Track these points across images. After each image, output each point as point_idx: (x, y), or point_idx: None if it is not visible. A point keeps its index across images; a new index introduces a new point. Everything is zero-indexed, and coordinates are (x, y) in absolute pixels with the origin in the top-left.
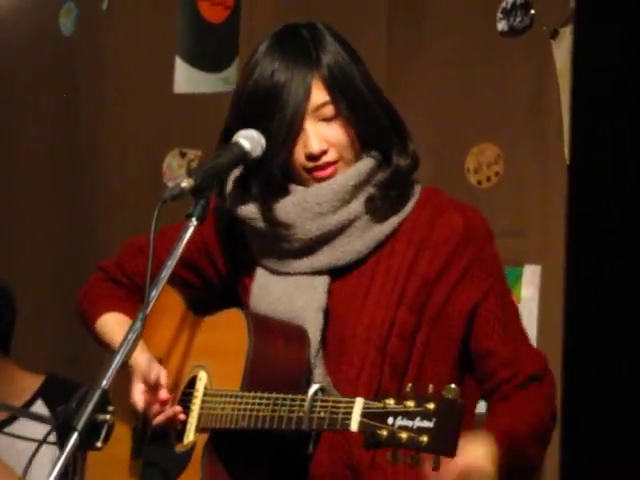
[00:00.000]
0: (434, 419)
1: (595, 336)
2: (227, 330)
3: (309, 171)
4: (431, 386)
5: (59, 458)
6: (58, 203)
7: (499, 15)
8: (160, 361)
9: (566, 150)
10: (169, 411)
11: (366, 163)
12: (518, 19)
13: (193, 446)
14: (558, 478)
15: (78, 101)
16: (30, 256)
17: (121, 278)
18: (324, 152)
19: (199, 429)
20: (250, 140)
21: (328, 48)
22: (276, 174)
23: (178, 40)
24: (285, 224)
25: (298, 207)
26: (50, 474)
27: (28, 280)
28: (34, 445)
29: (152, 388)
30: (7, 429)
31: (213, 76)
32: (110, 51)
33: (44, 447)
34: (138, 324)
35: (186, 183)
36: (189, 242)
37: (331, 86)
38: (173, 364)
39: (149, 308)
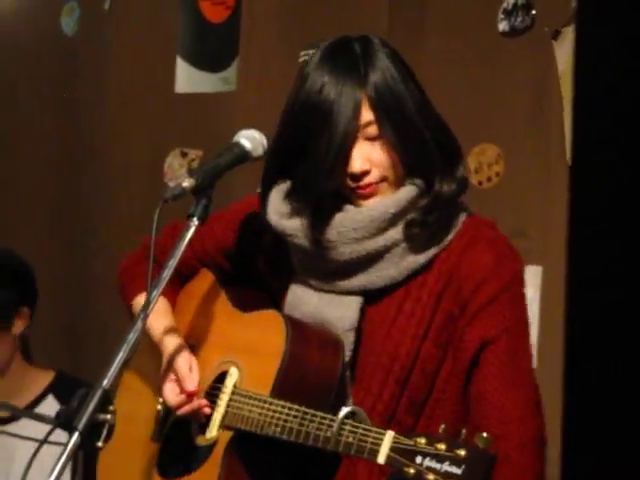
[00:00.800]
0: (463, 466)
1: (596, 338)
2: (264, 331)
3: (352, 190)
4: (464, 431)
5: (59, 458)
6: (60, 202)
7: (500, 15)
8: (192, 348)
9: (567, 151)
10: (195, 403)
11: (408, 191)
12: (519, 19)
13: (215, 442)
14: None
15: (80, 101)
16: (31, 257)
17: (162, 260)
18: (366, 172)
19: (223, 426)
20: (251, 140)
21: (378, 65)
22: (325, 192)
23: (179, 40)
24: (322, 245)
25: (334, 230)
26: (51, 474)
27: None
28: (33, 444)
29: (181, 377)
30: (8, 428)
31: (214, 76)
32: (112, 51)
33: (44, 447)
34: (139, 324)
35: (187, 183)
36: (234, 232)
37: (376, 106)
38: (204, 354)
39: (150, 308)
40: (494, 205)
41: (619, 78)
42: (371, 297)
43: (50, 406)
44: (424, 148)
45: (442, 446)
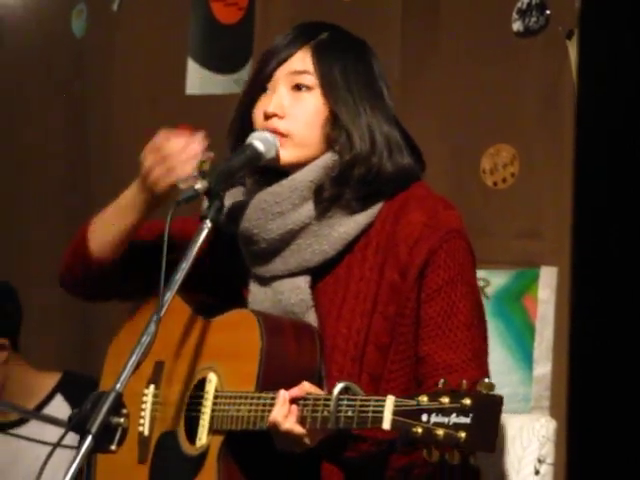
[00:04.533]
0: (471, 414)
1: (603, 337)
2: (237, 331)
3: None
4: (464, 382)
5: (73, 461)
6: (69, 204)
7: (514, 15)
8: (164, 364)
9: None
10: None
11: (325, 159)
12: (533, 19)
13: (207, 449)
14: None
15: (89, 103)
16: (42, 261)
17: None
18: (276, 116)
19: (212, 431)
20: (264, 142)
21: (332, 32)
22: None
23: (190, 41)
24: (248, 226)
25: (257, 208)
26: (64, 477)
27: (37, 284)
28: (39, 447)
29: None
30: (18, 430)
31: (226, 77)
32: (121, 52)
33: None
34: (152, 327)
35: (200, 185)
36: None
37: (318, 57)
38: (179, 367)
39: (163, 310)
40: (509, 206)
41: (624, 78)
42: (317, 279)
43: (58, 406)
44: (358, 121)
45: (445, 399)
